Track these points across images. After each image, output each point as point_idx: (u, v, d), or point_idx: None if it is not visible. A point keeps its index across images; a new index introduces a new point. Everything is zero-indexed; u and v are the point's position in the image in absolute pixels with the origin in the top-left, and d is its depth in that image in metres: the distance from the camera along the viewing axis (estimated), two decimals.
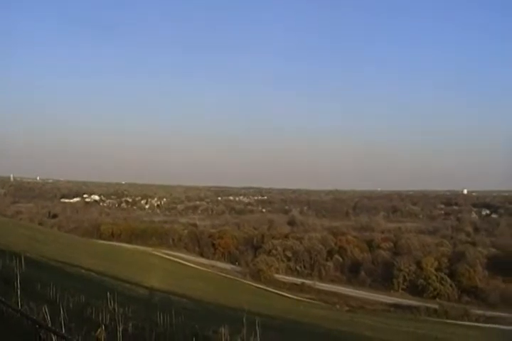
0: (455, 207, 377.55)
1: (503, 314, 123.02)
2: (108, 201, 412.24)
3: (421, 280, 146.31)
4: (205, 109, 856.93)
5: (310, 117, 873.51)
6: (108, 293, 16.15)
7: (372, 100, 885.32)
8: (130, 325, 13.87)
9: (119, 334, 10.24)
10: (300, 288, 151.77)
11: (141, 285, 59.83)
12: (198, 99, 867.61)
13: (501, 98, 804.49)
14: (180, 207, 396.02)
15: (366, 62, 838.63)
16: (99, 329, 10.89)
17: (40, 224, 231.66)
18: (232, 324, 15.62)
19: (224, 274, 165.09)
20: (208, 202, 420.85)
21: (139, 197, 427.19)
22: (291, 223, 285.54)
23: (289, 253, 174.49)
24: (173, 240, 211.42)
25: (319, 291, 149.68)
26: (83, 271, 56.30)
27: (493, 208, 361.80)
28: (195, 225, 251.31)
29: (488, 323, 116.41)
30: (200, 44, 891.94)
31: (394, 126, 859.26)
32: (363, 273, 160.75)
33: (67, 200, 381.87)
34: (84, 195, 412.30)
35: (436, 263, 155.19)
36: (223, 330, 13.82)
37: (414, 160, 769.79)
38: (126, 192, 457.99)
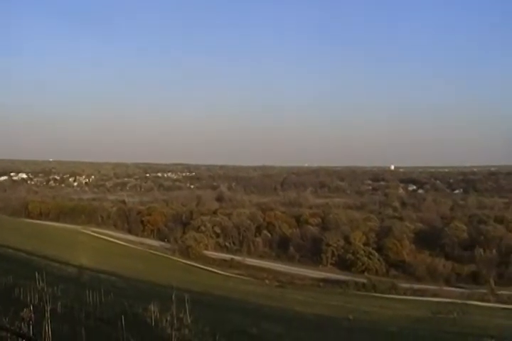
0: (382, 183, 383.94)
1: (429, 287, 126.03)
2: (36, 179, 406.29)
3: (349, 255, 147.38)
4: (129, 88, 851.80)
5: (238, 94, 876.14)
6: (36, 273, 15.94)
7: (301, 76, 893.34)
8: (59, 304, 13.69)
9: (47, 314, 10.15)
10: (229, 264, 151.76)
11: (71, 264, 59.13)
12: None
13: (414, 76, 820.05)
14: (108, 184, 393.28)
15: None
16: (25, 310, 10.77)
17: None
18: (162, 301, 15.58)
19: (153, 251, 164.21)
20: (136, 179, 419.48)
21: (67, 175, 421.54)
22: (220, 199, 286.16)
23: (217, 230, 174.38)
24: (102, 218, 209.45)
25: (248, 267, 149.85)
26: (11, 250, 55.30)
27: (420, 184, 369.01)
28: (123, 202, 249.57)
29: (415, 296, 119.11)
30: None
31: (322, 102, 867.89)
32: (291, 248, 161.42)
33: None
34: (12, 174, 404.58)
35: (364, 238, 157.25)
36: (153, 307, 13.83)
37: (341, 137, 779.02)
38: (54, 170, 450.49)
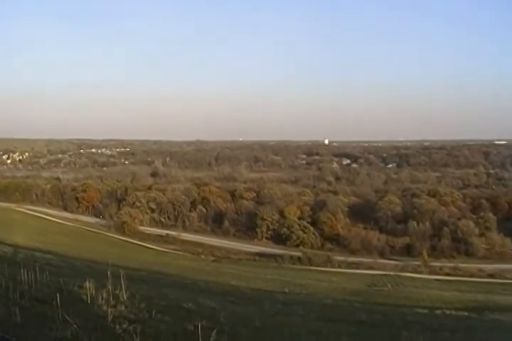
0: (316, 157, 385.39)
1: (364, 259, 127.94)
2: None
3: (284, 229, 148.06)
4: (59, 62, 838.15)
5: (174, 70, 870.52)
6: None
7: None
8: None
9: None
10: (165, 240, 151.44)
11: (5, 243, 58.26)
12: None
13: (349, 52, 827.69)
14: (42, 161, 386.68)
15: None
16: None
17: None
18: (98, 278, 15.51)
19: (88, 228, 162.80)
20: (70, 156, 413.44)
21: (0, 152, 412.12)
22: (154, 174, 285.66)
23: (152, 205, 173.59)
24: (36, 195, 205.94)
25: (184, 242, 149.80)
26: None
27: (354, 158, 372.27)
28: (58, 179, 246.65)
29: (349, 269, 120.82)
30: None
31: (255, 77, 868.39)
32: (226, 223, 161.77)
33: None
34: None
35: (298, 212, 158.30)
36: (88, 285, 13.77)
37: (275, 111, 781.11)
38: None
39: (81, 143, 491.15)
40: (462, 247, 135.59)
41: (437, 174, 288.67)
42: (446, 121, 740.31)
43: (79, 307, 11.98)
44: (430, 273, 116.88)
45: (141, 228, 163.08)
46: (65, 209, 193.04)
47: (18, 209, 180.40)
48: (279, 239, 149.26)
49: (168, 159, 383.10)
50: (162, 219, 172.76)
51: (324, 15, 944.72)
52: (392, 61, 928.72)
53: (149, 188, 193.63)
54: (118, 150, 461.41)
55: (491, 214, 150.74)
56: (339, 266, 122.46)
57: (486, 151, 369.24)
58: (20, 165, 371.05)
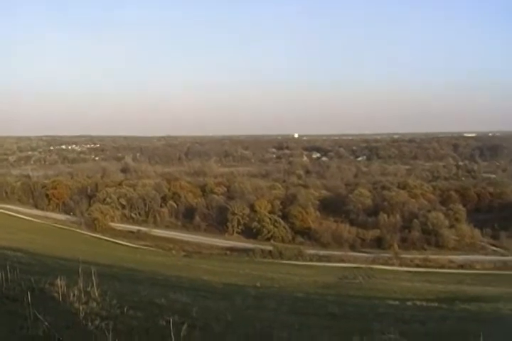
0: (286, 151, 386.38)
1: (335, 252, 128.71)
2: None
3: (255, 223, 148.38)
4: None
5: (142, 66, 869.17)
6: None
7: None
8: None
9: None
10: (136, 236, 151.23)
11: None
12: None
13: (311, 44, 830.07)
14: (12, 158, 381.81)
15: None
16: None
17: None
18: (69, 275, 15.48)
19: (59, 225, 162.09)
20: (40, 152, 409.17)
21: None
22: (125, 170, 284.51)
23: (123, 201, 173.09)
24: (6, 193, 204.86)
25: (155, 238, 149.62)
26: None
27: (324, 151, 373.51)
28: (28, 176, 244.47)
29: (321, 262, 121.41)
30: None
31: (223, 72, 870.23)
32: (197, 218, 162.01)
33: None
34: None
35: (269, 206, 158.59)
36: (59, 282, 13.73)
37: (243, 106, 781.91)
38: None
39: (51, 140, 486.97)
40: (432, 239, 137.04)
41: (407, 166, 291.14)
42: (416, 114, 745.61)
43: (50, 304, 11.96)
44: (401, 265, 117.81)
45: (112, 224, 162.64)
46: (36, 206, 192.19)
47: None
48: (250, 233, 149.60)
49: (138, 155, 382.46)
50: (133, 215, 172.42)
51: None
52: (354, 55, 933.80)
53: (120, 184, 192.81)
54: (88, 146, 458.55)
55: (460, 206, 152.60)
56: (310, 260, 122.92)
57: (455, 143, 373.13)
58: None
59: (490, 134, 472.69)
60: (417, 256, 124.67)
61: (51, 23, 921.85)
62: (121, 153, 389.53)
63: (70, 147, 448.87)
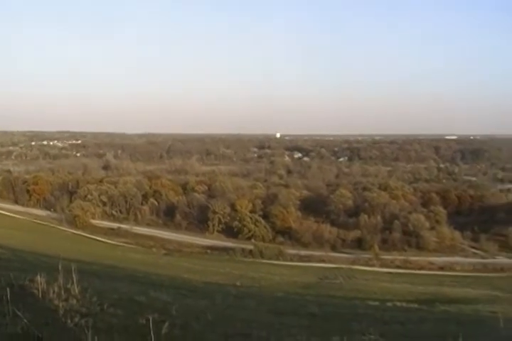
0: (268, 151, 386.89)
1: (315, 253, 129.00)
2: None
3: (236, 222, 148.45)
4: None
5: (126, 63, 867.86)
6: None
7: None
8: None
9: None
10: (116, 233, 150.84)
11: None
12: None
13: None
14: None
15: None
16: None
17: None
18: (49, 272, 15.40)
19: (39, 221, 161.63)
20: (21, 148, 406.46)
21: None
22: (106, 167, 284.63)
23: (104, 198, 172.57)
24: None
25: (136, 235, 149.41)
26: None
27: (305, 151, 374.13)
28: (9, 172, 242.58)
29: (301, 262, 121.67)
30: None
31: (205, 71, 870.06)
32: (178, 216, 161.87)
33: None
34: None
35: (250, 206, 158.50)
36: (39, 279, 13.66)
37: (228, 105, 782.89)
38: None
39: (33, 135, 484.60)
40: (413, 240, 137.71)
41: (388, 168, 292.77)
42: (397, 115, 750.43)
43: (30, 301, 11.89)
44: (381, 266, 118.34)
45: (93, 221, 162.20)
46: (16, 202, 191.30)
47: None
48: (231, 232, 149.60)
49: (119, 152, 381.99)
50: (114, 212, 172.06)
51: None
52: (340, 57, 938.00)
53: (101, 181, 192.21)
54: (70, 142, 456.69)
55: (441, 208, 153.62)
56: (291, 259, 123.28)
57: (437, 146, 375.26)
58: None
59: (471, 137, 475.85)
60: (397, 257, 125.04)
61: (34, 18, 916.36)
62: (103, 149, 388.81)
63: (51, 143, 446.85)
